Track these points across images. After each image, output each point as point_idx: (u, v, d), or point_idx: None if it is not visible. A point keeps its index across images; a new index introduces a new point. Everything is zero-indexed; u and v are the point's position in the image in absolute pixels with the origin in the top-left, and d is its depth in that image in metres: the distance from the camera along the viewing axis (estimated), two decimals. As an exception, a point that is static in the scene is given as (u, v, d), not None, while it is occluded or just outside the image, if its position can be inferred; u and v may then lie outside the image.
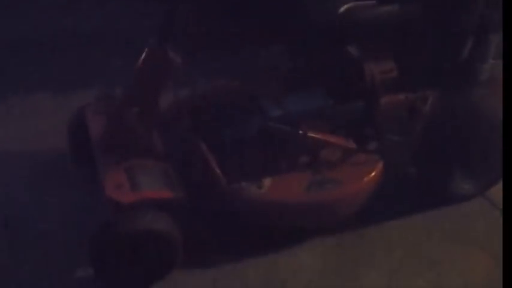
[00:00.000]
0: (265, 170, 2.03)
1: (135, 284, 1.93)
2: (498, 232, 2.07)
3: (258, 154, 2.06)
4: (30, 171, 2.36)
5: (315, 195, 2.02)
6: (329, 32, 2.05)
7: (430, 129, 2.15)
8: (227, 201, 1.99)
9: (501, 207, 2.23)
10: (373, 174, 2.09)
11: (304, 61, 2.23)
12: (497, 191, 2.24)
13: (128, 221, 1.83)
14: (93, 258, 1.85)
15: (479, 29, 2.10)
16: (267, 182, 2.01)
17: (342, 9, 2.01)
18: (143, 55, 1.99)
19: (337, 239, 2.11)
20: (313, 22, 2.08)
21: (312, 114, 2.12)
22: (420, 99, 2.20)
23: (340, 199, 2.06)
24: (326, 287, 1.99)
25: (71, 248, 2.05)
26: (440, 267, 2.04)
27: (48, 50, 3.05)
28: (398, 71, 2.15)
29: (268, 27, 2.17)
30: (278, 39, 2.21)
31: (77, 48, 3.07)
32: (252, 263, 2.02)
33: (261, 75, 2.21)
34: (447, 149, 2.13)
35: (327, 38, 2.09)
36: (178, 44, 1.98)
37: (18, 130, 2.57)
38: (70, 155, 2.30)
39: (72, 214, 2.17)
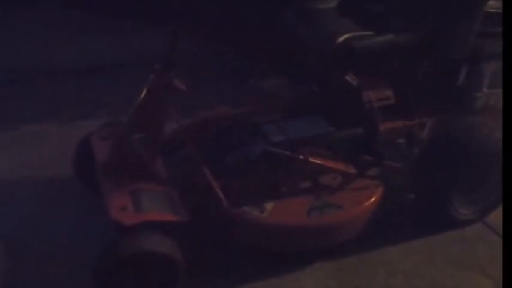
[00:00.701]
0: (267, 195, 2.07)
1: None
2: (497, 256, 2.10)
3: (260, 179, 2.10)
4: (36, 196, 2.40)
5: (315, 219, 2.05)
6: (328, 61, 2.13)
7: (428, 155, 2.20)
8: (229, 225, 2.01)
9: (500, 231, 2.25)
10: (372, 199, 2.12)
11: (305, 89, 2.30)
12: (496, 216, 2.28)
13: (130, 243, 1.86)
14: (97, 279, 1.87)
15: (473, 59, 2.17)
16: (269, 206, 2.04)
17: (341, 39, 2.09)
18: (149, 82, 2.06)
19: (339, 263, 2.13)
20: (312, 52, 2.16)
21: (312, 140, 2.17)
22: (418, 126, 2.25)
23: (340, 223, 2.09)
24: (328, 310, 2.01)
25: (75, 270, 2.08)
26: (441, 291, 2.06)
27: (54, 80, 3.14)
28: (396, 98, 2.21)
29: (271, 58, 2.23)
30: (280, 69, 2.28)
31: (81, 77, 3.17)
32: (253, 287, 2.04)
33: (262, 102, 2.27)
34: (445, 174, 2.17)
35: (326, 67, 2.16)
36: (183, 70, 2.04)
37: (25, 157, 2.62)
38: (76, 179, 2.34)
39: (77, 237, 2.21)
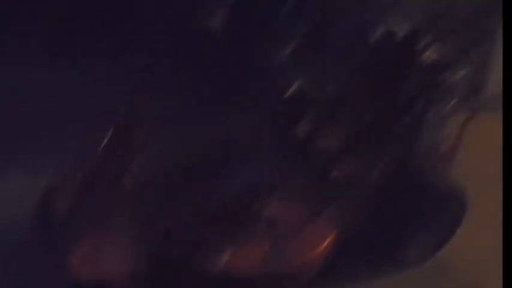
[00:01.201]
0: (223, 244, 2.12)
1: None
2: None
3: (217, 228, 2.16)
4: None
5: (271, 268, 2.10)
6: (279, 111, 2.20)
7: (379, 196, 2.28)
8: (186, 275, 2.06)
9: (450, 267, 2.34)
10: (327, 242, 2.19)
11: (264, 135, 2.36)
12: (445, 253, 2.37)
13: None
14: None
15: (412, 106, 2.27)
16: (225, 256, 2.09)
17: (292, 89, 2.16)
18: (109, 133, 2.12)
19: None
20: (263, 102, 2.23)
21: (269, 187, 2.23)
22: (368, 168, 2.33)
23: (295, 269, 2.15)
24: None
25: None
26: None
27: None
28: (347, 141, 2.29)
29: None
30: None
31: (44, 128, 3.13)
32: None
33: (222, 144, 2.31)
34: (396, 216, 2.25)
35: (278, 117, 2.23)
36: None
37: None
38: (37, 231, 2.37)
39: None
